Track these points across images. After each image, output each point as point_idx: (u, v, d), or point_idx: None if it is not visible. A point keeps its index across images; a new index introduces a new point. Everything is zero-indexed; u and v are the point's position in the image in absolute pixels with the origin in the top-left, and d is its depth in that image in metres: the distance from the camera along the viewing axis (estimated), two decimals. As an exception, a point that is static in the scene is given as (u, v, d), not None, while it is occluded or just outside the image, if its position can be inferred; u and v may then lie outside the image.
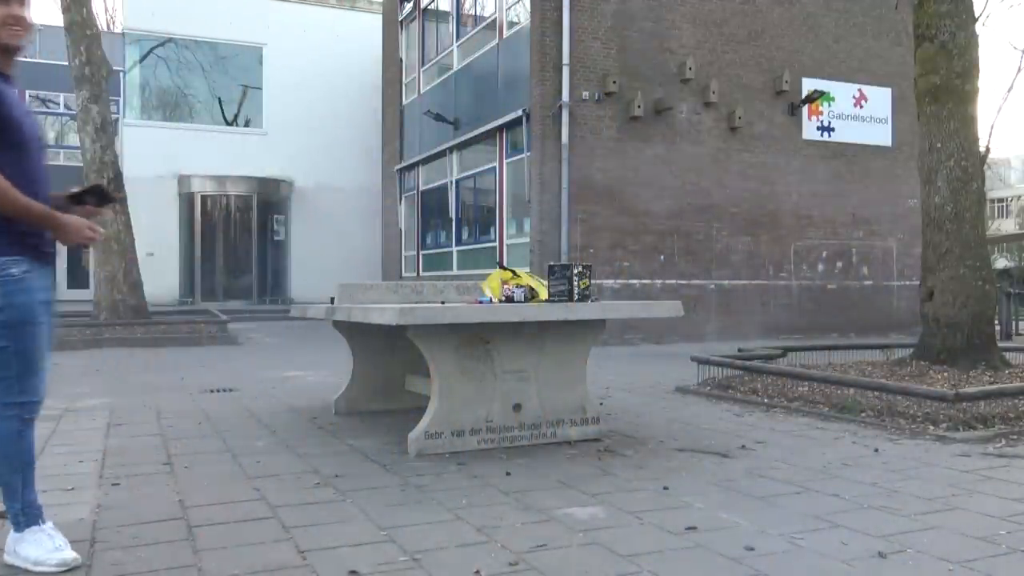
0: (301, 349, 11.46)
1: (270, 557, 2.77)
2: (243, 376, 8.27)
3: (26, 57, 22.43)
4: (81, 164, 13.89)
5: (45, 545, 2.66)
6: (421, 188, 17.12)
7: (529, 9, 12.41)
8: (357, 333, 5.68)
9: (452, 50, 15.72)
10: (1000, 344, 7.60)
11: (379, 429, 5.16)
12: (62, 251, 23.22)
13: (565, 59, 11.78)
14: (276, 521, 3.18)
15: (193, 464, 4.21)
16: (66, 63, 14.22)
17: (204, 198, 21.07)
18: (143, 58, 21.11)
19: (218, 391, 7.14)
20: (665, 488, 3.70)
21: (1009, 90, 58.50)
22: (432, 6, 17.06)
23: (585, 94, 11.92)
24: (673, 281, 12.52)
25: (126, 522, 3.15)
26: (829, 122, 13.82)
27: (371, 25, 21.22)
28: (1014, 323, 13.60)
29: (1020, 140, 78.71)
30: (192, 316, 14.65)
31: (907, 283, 14.09)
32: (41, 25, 25.97)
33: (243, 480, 3.86)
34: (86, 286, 21.77)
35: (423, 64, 17.20)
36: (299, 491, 3.65)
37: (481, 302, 4.84)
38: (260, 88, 21.88)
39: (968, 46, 7.21)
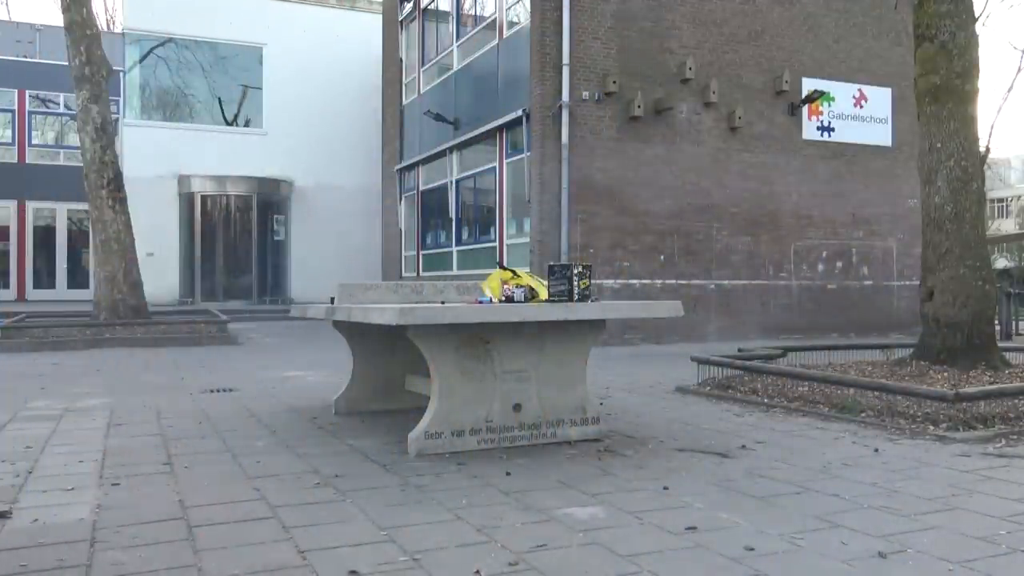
0: (301, 349, 11.46)
1: (270, 557, 2.77)
2: (243, 376, 8.27)
3: (26, 57, 22.44)
4: (81, 164, 13.89)
5: None
6: (421, 188, 17.12)
7: (529, 9, 12.40)
8: (357, 333, 5.69)
9: (452, 50, 15.72)
10: (1000, 344, 7.59)
11: (379, 429, 5.16)
12: (62, 251, 23.34)
13: (565, 59, 11.78)
14: (276, 521, 3.18)
15: (193, 464, 4.21)
16: (66, 63, 14.22)
17: (204, 198, 21.06)
18: (143, 58, 21.10)
19: (218, 391, 7.14)
20: (665, 488, 3.70)
21: (1009, 90, 58.65)
22: (432, 6, 17.06)
23: (585, 94, 11.91)
24: (673, 281, 12.51)
25: (126, 522, 3.15)
26: (829, 122, 13.82)
27: (371, 25, 21.22)
28: (1014, 323, 13.60)
29: (1020, 140, 78.76)
30: (192, 316, 14.64)
31: (907, 283, 14.08)
32: (41, 25, 26.01)
33: (243, 480, 3.86)
34: (86, 286, 21.79)
35: (423, 64, 17.20)
36: (299, 491, 3.65)
37: (481, 302, 4.84)
38: (260, 88, 21.87)
39: (968, 46, 7.21)
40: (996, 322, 10.11)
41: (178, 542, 2.93)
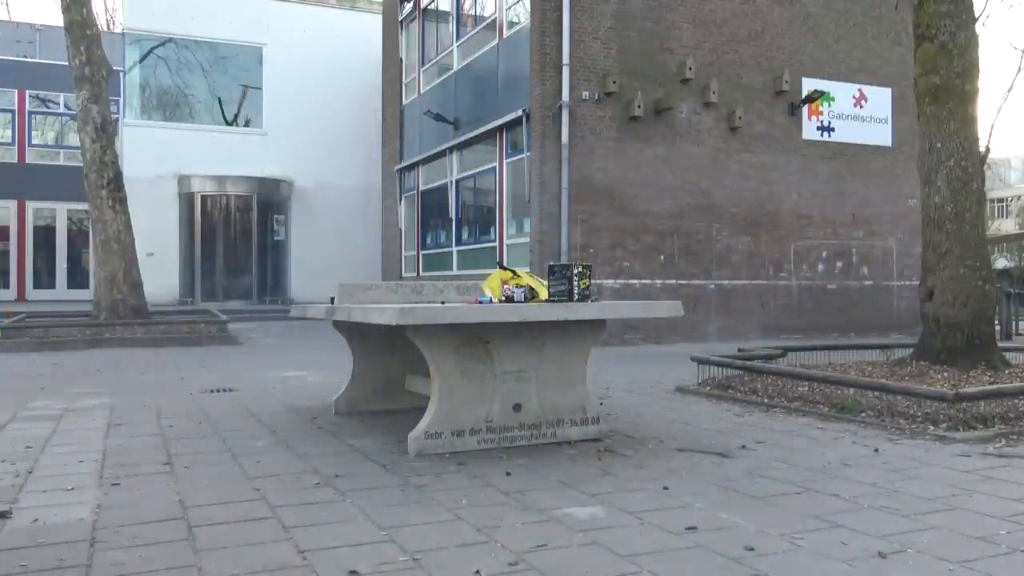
0: (301, 349, 11.46)
1: (270, 557, 2.77)
2: (243, 376, 8.27)
3: (26, 57, 22.42)
4: (81, 164, 13.90)
5: None
6: (421, 188, 17.13)
7: (529, 9, 12.40)
8: (357, 333, 5.68)
9: (452, 50, 15.72)
10: (1000, 344, 7.59)
11: (379, 429, 5.16)
12: (62, 251, 23.33)
13: (565, 59, 11.78)
14: (276, 521, 3.18)
15: (193, 464, 4.21)
16: (66, 63, 14.23)
17: (204, 198, 21.06)
18: (143, 58, 21.10)
19: (218, 391, 7.14)
20: (665, 488, 3.70)
21: (1009, 90, 58.72)
22: (432, 6, 17.06)
23: (585, 94, 11.91)
24: (673, 281, 12.51)
25: (126, 522, 3.15)
26: (829, 122, 13.82)
27: (371, 25, 21.22)
28: (1014, 323, 13.60)
29: (1020, 140, 78.80)
30: (192, 316, 14.64)
31: (907, 283, 14.08)
32: (41, 25, 26.01)
33: (243, 480, 3.86)
34: (86, 286, 21.79)
35: (423, 64, 17.20)
36: (299, 491, 3.65)
37: (481, 302, 4.84)
38: (260, 88, 21.87)
39: (968, 46, 7.21)
40: (996, 322, 10.11)
41: (178, 542, 2.93)
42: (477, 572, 2.62)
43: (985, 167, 11.47)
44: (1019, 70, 42.26)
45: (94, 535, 3.00)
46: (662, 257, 12.50)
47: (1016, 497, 3.58)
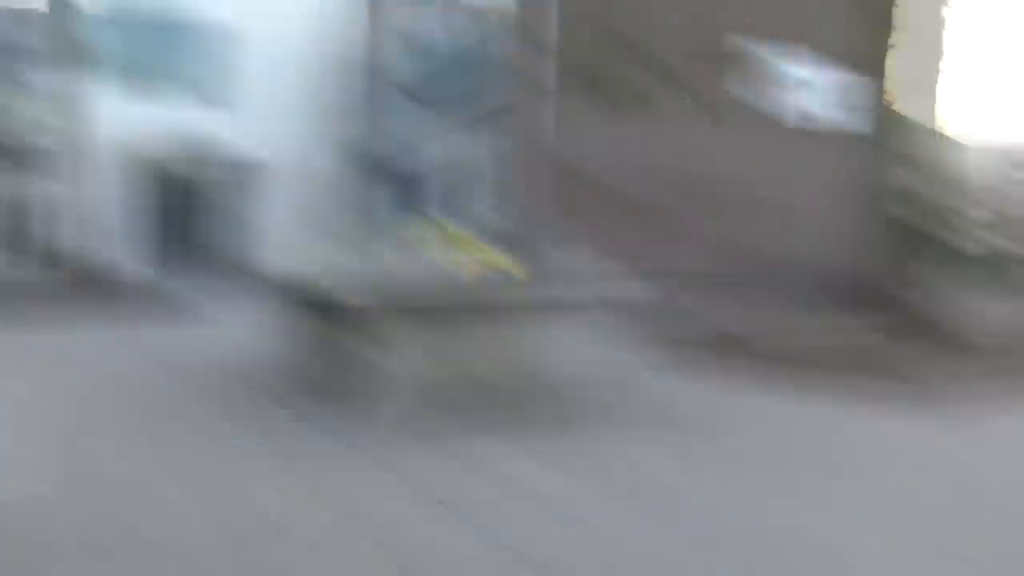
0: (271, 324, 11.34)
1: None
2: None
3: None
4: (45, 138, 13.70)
5: None
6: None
7: (513, -9, 12.33)
8: (320, 308, 5.61)
9: (436, 31, 15.60)
10: (962, 326, 7.65)
11: (343, 405, 5.13)
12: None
13: (550, 42, 11.71)
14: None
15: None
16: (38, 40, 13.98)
17: (171, 175, 20.84)
18: (115, 36, 20.74)
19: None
20: (635, 465, 3.72)
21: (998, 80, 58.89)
22: (416, -12, 16.90)
23: (569, 77, 11.85)
24: (655, 263, 12.49)
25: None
26: (810, 104, 13.82)
27: (354, 5, 20.97)
28: (982, 309, 13.65)
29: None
30: (156, 292, 14.47)
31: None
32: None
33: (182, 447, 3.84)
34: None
35: (406, 43, 17.05)
36: (248, 460, 3.63)
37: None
38: (233, 65, 21.57)
39: (937, 27, 7.23)
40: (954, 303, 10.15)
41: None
42: (440, 545, 2.62)
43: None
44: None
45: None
46: (645, 240, 12.48)
47: (1014, 492, 3.60)
